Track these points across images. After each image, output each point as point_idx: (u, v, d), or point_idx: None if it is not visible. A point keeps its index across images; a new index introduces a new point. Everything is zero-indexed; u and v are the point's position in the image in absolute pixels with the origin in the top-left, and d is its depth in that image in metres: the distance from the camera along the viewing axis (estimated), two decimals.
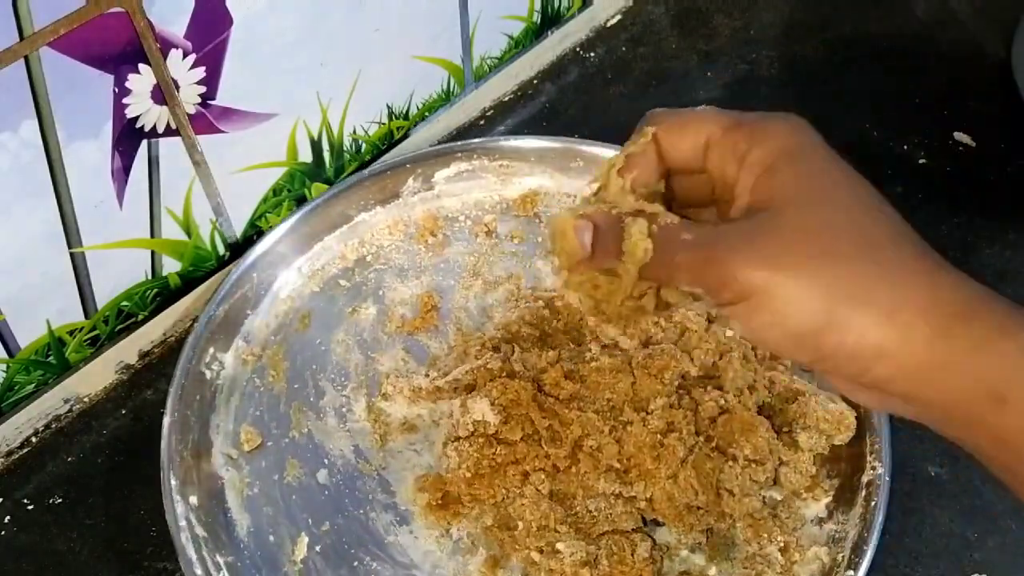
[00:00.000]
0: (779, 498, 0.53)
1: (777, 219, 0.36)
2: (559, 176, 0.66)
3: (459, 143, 0.66)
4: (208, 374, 0.57)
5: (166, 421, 0.54)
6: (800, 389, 0.55)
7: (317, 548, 0.53)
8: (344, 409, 0.58)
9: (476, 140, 0.67)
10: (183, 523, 0.51)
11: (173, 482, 0.52)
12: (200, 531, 0.52)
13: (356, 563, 0.52)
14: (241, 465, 0.56)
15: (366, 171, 0.64)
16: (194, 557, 0.50)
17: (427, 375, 0.58)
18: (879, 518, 0.50)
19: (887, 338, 0.34)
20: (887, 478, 0.51)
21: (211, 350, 0.58)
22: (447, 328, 0.60)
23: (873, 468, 0.52)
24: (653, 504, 0.52)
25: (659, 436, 0.52)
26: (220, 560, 0.52)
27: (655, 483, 0.51)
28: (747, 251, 0.35)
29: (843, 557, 0.50)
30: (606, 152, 0.64)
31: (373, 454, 0.56)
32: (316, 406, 0.58)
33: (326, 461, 0.56)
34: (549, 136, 0.66)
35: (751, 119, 0.39)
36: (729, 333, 0.56)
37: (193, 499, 0.53)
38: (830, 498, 0.53)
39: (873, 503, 0.51)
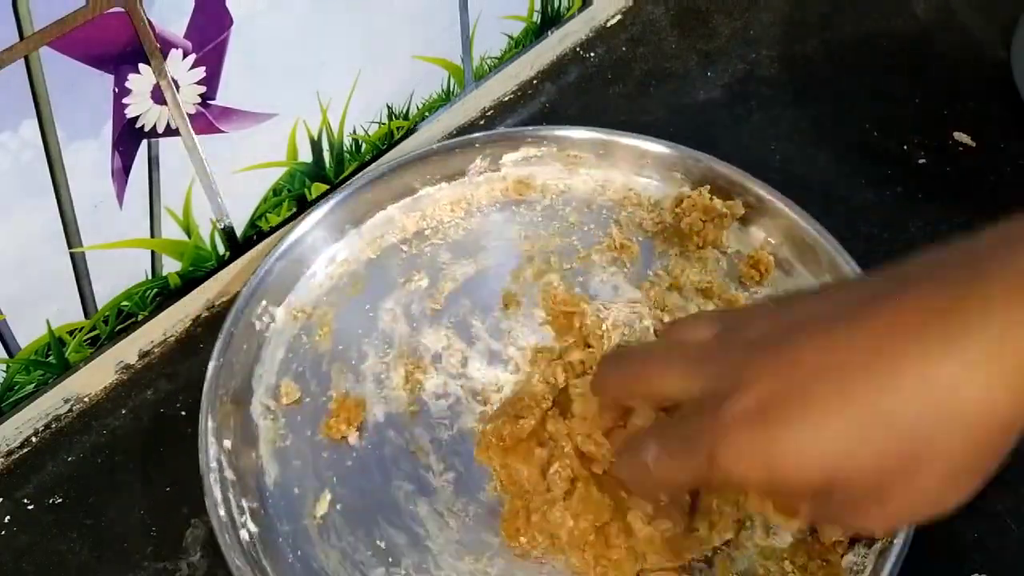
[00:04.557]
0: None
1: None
2: (628, 172, 0.66)
3: (530, 128, 0.67)
4: (258, 325, 0.59)
5: (211, 365, 0.55)
6: None
7: (338, 507, 0.54)
8: (383, 376, 0.58)
9: (547, 127, 0.67)
10: (214, 464, 0.52)
11: (210, 424, 0.53)
12: (229, 474, 0.53)
13: (373, 526, 0.53)
14: (278, 417, 0.57)
15: (435, 145, 0.65)
16: (219, 498, 0.52)
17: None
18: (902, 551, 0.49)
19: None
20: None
21: (264, 302, 0.59)
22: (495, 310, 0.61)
23: None
24: None
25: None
26: (245, 504, 0.53)
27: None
28: (785, 438, 0.33)
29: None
30: (676, 153, 0.64)
31: (404, 423, 0.57)
32: (357, 369, 0.59)
33: (358, 424, 0.57)
34: (622, 131, 0.66)
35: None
36: None
37: (227, 443, 0.54)
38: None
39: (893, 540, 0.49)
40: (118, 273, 0.56)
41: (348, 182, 0.63)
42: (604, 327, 0.58)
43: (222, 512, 0.51)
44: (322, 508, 0.54)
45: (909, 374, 0.30)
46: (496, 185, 0.66)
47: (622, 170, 0.66)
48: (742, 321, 0.37)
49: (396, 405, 0.57)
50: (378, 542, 0.53)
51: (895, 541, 0.49)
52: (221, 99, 0.54)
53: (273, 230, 0.63)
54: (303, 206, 0.64)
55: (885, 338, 0.31)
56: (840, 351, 0.32)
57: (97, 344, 0.58)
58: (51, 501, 0.56)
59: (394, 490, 0.54)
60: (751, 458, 0.33)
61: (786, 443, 0.32)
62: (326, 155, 0.63)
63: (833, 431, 0.32)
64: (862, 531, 0.36)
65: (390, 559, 0.52)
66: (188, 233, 0.58)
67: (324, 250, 0.62)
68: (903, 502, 0.32)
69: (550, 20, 0.73)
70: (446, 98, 0.69)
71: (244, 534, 0.51)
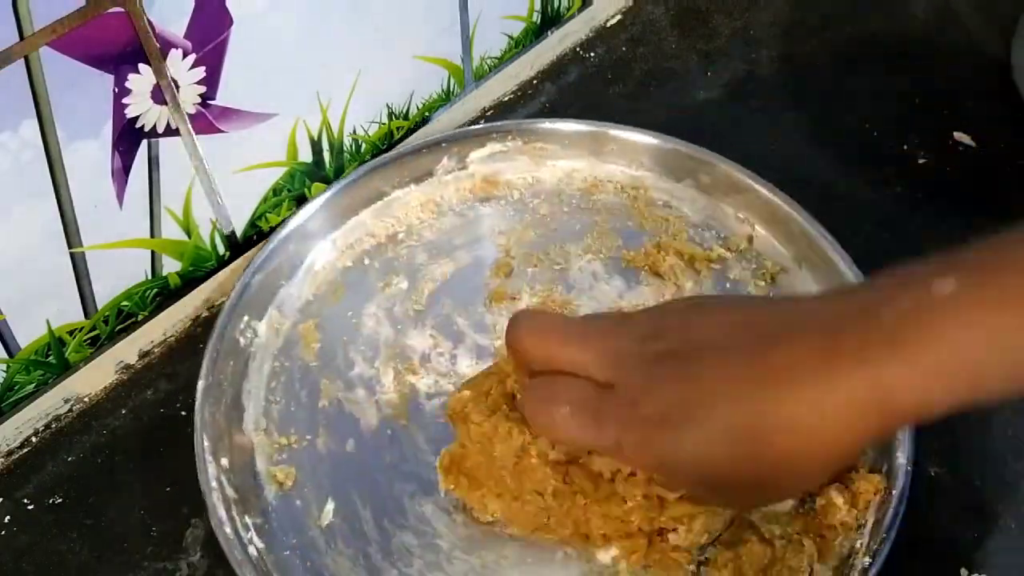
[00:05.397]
0: None
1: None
2: (593, 160, 0.67)
3: (496, 123, 0.67)
4: (242, 341, 0.58)
5: (200, 385, 0.55)
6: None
7: (342, 514, 0.54)
8: (373, 381, 0.59)
9: (511, 122, 0.68)
10: (214, 484, 0.52)
11: (206, 443, 0.53)
12: (230, 492, 0.53)
13: (380, 530, 0.53)
14: (271, 431, 0.57)
15: (401, 148, 0.65)
16: (224, 516, 0.51)
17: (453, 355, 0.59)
18: (901, 509, 0.50)
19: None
20: (909, 468, 0.51)
21: (245, 318, 0.59)
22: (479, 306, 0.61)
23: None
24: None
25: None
26: (249, 521, 0.52)
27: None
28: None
29: (862, 544, 0.50)
30: (638, 138, 0.65)
31: (400, 425, 0.57)
32: (346, 377, 0.59)
33: (354, 430, 0.57)
34: (585, 120, 0.67)
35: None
36: None
37: (224, 461, 0.54)
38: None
39: (894, 491, 0.50)
40: (118, 273, 0.56)
41: (319, 193, 0.63)
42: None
43: (228, 531, 0.51)
44: (326, 517, 0.54)
45: (783, 408, 0.38)
46: (464, 183, 0.66)
47: (587, 159, 0.67)
48: (658, 330, 0.43)
49: (389, 409, 0.57)
50: (387, 545, 0.53)
51: (889, 534, 0.49)
52: (221, 99, 0.54)
53: (273, 230, 0.63)
54: (303, 206, 0.63)
55: (770, 375, 0.38)
56: (732, 381, 0.39)
57: (97, 344, 0.58)
58: (51, 501, 0.56)
59: (397, 492, 0.54)
60: (648, 452, 0.42)
61: (677, 447, 0.40)
62: (326, 155, 0.63)
63: (713, 443, 0.40)
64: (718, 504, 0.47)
65: (401, 561, 0.52)
66: (188, 233, 0.58)
67: (300, 261, 0.62)
68: (757, 498, 0.44)
69: (550, 20, 0.73)
70: (446, 98, 0.69)
71: (252, 551, 0.51)
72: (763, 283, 0.61)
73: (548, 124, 0.67)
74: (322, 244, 0.63)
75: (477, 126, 0.68)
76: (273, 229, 0.62)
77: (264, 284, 0.60)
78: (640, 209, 0.65)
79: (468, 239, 0.65)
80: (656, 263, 0.62)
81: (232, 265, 0.62)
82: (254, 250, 0.62)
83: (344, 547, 0.53)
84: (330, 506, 0.54)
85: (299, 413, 0.57)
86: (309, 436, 0.56)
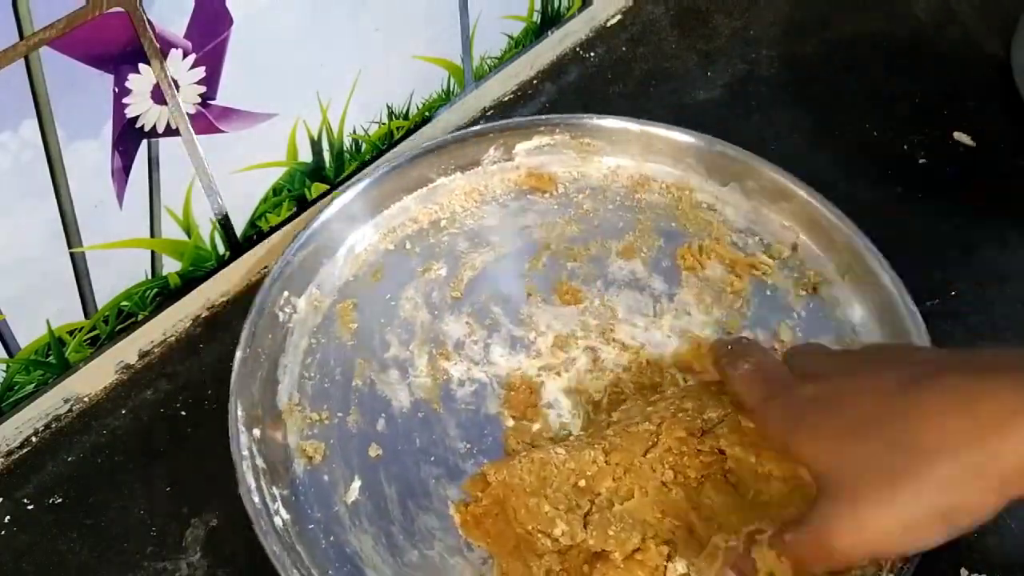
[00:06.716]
0: None
1: (833, 492, 0.42)
2: (639, 158, 0.67)
3: (543, 116, 0.68)
4: (281, 316, 0.59)
5: (238, 355, 0.56)
6: None
7: (368, 492, 0.54)
8: (407, 364, 0.59)
9: (559, 115, 0.68)
10: (245, 453, 0.53)
11: (240, 413, 0.54)
12: (260, 463, 0.53)
13: (404, 511, 0.54)
14: (304, 406, 0.57)
15: (450, 136, 0.66)
16: (253, 486, 0.52)
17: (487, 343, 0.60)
18: None
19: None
20: None
21: (285, 293, 0.59)
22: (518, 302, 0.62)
23: None
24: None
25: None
26: (276, 492, 0.53)
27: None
28: (838, 529, 0.42)
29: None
30: (687, 139, 0.65)
31: (431, 409, 0.57)
32: (380, 358, 0.59)
33: (385, 411, 0.57)
34: (633, 118, 0.67)
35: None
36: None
37: (256, 432, 0.54)
38: None
39: None
40: (118, 273, 0.56)
41: (363, 173, 0.64)
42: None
43: (256, 499, 0.51)
44: (352, 495, 0.54)
45: (930, 481, 0.41)
46: (510, 175, 0.67)
47: (634, 156, 0.67)
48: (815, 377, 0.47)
49: (421, 392, 0.58)
50: (410, 526, 0.53)
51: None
52: (221, 99, 0.54)
53: (273, 230, 0.63)
54: (303, 206, 0.64)
55: (918, 444, 0.41)
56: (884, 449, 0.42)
57: (97, 344, 0.58)
58: (51, 501, 0.56)
59: (424, 475, 0.55)
60: (789, 421, 0.46)
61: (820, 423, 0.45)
62: (326, 155, 0.63)
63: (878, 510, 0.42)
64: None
65: (423, 543, 0.53)
66: (188, 233, 0.58)
67: (343, 241, 0.63)
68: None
69: (550, 20, 0.73)
70: (446, 98, 0.69)
71: (278, 521, 0.52)
72: (804, 292, 0.61)
73: (596, 120, 0.67)
74: (365, 226, 0.64)
75: (525, 118, 0.68)
76: (316, 209, 0.63)
77: (306, 261, 0.61)
78: (684, 210, 0.65)
79: (510, 230, 0.65)
80: (696, 266, 0.62)
81: (232, 265, 0.62)
82: (300, 220, 0.63)
83: (368, 525, 0.53)
84: (356, 483, 0.55)
85: (332, 390, 0.58)
86: (340, 413, 0.57)
